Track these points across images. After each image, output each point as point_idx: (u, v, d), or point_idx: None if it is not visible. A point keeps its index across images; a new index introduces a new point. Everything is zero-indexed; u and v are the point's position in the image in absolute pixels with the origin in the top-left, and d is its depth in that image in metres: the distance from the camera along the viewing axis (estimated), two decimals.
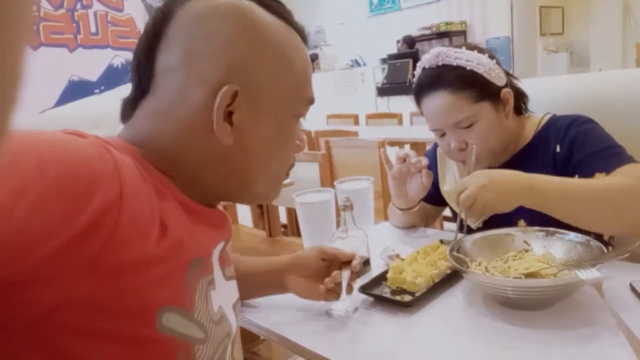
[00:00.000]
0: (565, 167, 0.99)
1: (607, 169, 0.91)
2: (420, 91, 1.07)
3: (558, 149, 1.01)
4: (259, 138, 0.58)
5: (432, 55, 1.05)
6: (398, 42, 6.45)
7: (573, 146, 0.99)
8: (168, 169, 0.54)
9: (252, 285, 0.84)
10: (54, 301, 0.38)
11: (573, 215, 0.87)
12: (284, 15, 0.60)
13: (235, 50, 0.54)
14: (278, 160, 0.63)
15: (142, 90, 0.56)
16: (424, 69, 1.07)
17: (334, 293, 0.80)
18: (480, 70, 1.01)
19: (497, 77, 1.03)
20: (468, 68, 1.01)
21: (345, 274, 0.80)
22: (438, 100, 1.02)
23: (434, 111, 1.04)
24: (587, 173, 0.93)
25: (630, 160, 0.92)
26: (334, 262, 0.84)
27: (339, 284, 0.80)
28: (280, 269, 0.84)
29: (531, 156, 1.06)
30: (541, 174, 0.89)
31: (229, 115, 0.54)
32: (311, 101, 0.64)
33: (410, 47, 6.27)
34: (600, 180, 0.89)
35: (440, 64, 1.03)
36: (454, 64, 1.01)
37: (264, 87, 0.57)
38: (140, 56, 0.56)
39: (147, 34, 0.56)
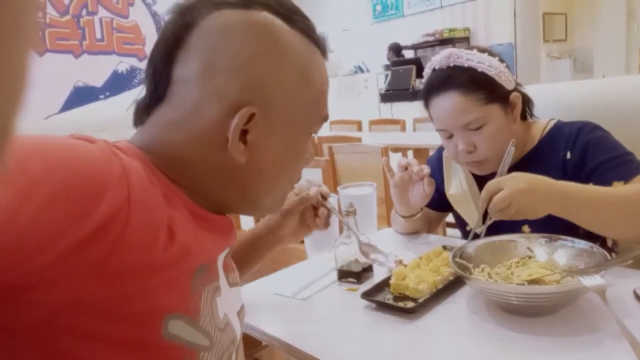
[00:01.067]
0: (577, 173, 0.98)
1: (625, 177, 0.92)
2: (429, 91, 1.06)
3: (569, 155, 1.01)
4: (271, 156, 0.58)
5: (443, 56, 1.04)
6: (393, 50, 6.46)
7: (586, 153, 0.98)
8: (176, 176, 0.54)
9: (251, 251, 0.86)
10: (59, 304, 0.38)
11: (603, 225, 0.88)
12: (307, 31, 0.59)
13: (256, 68, 0.54)
14: (287, 176, 0.63)
15: (157, 97, 0.56)
16: (434, 69, 1.06)
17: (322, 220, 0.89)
18: (491, 72, 1.01)
19: (506, 80, 1.03)
20: (479, 70, 1.00)
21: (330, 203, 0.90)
22: (448, 100, 1.02)
23: (444, 112, 1.03)
24: (603, 181, 0.93)
25: None
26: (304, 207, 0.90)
27: (327, 217, 0.89)
28: (260, 242, 0.87)
29: (536, 161, 1.06)
30: (570, 182, 0.88)
31: (243, 134, 0.54)
32: (326, 118, 0.63)
33: (398, 55, 6.29)
34: (627, 189, 0.89)
35: (451, 64, 1.02)
36: (466, 65, 1.01)
37: (281, 106, 0.56)
38: (157, 62, 0.56)
39: (167, 41, 0.55)
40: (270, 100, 0.55)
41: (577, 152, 1.00)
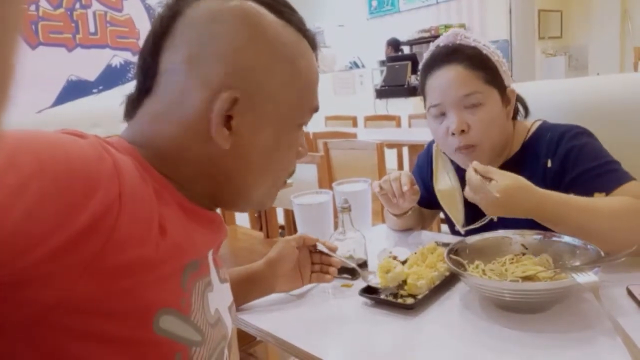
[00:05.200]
0: (557, 183, 0.95)
1: (606, 188, 0.88)
2: (431, 64, 1.04)
3: (549, 163, 0.98)
4: (258, 146, 0.57)
5: (450, 34, 1.05)
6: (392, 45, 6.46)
7: (566, 161, 0.96)
8: (167, 170, 0.54)
9: (247, 285, 0.85)
10: (51, 301, 0.38)
11: (582, 236, 0.85)
12: (296, 23, 0.59)
13: (241, 56, 0.54)
14: (276, 168, 0.62)
15: (145, 89, 0.56)
16: (438, 46, 1.06)
17: (322, 274, 0.92)
18: (494, 58, 1.02)
19: (506, 73, 1.04)
20: (484, 52, 1.02)
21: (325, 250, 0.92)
22: (451, 72, 1.00)
23: (444, 83, 1.01)
24: (584, 191, 0.89)
25: (627, 177, 0.90)
26: (302, 248, 0.91)
27: (327, 265, 0.92)
28: (256, 275, 0.86)
29: (520, 167, 1.01)
30: (552, 191, 0.86)
31: (227, 120, 0.54)
32: (315, 109, 0.63)
33: (396, 51, 6.29)
34: (607, 202, 0.87)
35: (457, 42, 1.03)
36: (472, 44, 1.02)
37: (267, 96, 0.56)
38: (146, 54, 0.56)
39: (155, 32, 0.55)
40: (255, 86, 0.55)
41: (557, 161, 0.97)
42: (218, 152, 0.55)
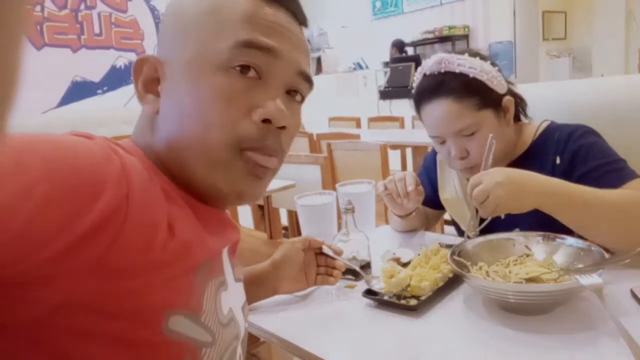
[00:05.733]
0: (565, 180, 0.95)
1: (614, 184, 0.89)
2: (421, 98, 1.05)
3: (558, 160, 1.00)
4: (181, 99, 0.52)
5: (434, 61, 1.03)
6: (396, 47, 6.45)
7: (575, 159, 0.97)
8: (171, 170, 0.54)
9: (252, 287, 0.85)
10: (57, 302, 0.38)
11: (585, 226, 0.86)
12: None
13: (162, 27, 0.56)
14: (209, 128, 0.51)
15: None
16: (424, 75, 1.05)
17: (327, 276, 0.92)
18: (483, 77, 1.00)
19: (499, 84, 1.02)
20: (471, 75, 0.99)
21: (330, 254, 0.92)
22: (440, 107, 1.01)
23: (436, 119, 1.03)
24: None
25: (634, 174, 0.91)
26: (307, 250, 0.91)
27: (332, 268, 0.92)
28: (262, 277, 0.86)
29: (528, 165, 1.02)
30: (559, 179, 0.87)
31: (153, 84, 0.55)
32: (245, 43, 0.51)
33: (401, 52, 6.29)
34: (615, 192, 0.87)
35: (442, 70, 1.01)
36: (457, 71, 1.00)
37: (177, 45, 0.54)
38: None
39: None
40: (169, 47, 0.55)
41: (566, 159, 0.99)
42: (165, 130, 0.54)
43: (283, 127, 0.54)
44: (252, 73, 0.52)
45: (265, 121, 0.52)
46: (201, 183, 0.53)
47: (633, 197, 0.86)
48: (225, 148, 0.52)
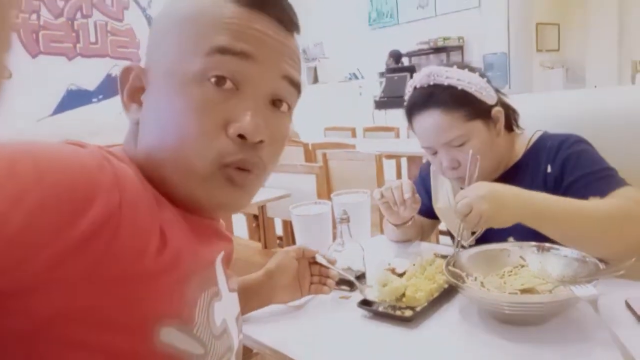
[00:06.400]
0: (556, 188, 0.98)
1: (601, 193, 0.90)
2: (412, 110, 1.08)
3: (549, 169, 1.02)
4: (158, 108, 0.52)
5: (424, 74, 1.05)
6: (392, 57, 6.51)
7: (565, 167, 0.99)
8: (149, 179, 0.51)
9: (247, 296, 0.84)
10: (50, 312, 0.38)
11: (569, 239, 0.86)
12: None
13: (149, 35, 0.56)
14: (184, 141, 0.50)
15: None
16: (415, 88, 1.07)
17: (321, 285, 0.91)
18: (471, 89, 1.02)
19: (488, 95, 1.04)
20: (459, 87, 1.01)
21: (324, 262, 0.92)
22: (430, 119, 1.03)
23: (426, 130, 1.05)
24: (580, 196, 0.91)
25: (623, 183, 0.92)
26: (301, 259, 0.91)
27: (325, 277, 0.92)
28: (255, 286, 0.85)
29: (521, 174, 1.07)
30: (543, 192, 0.88)
31: (138, 93, 0.55)
32: (218, 49, 0.50)
33: (397, 62, 6.35)
34: (598, 203, 0.88)
35: (431, 83, 1.03)
36: (446, 83, 1.02)
37: (157, 55, 0.54)
38: None
39: None
40: (152, 56, 0.55)
41: (557, 166, 1.00)
42: (148, 140, 0.53)
43: (261, 142, 0.52)
44: (228, 84, 0.51)
45: (241, 136, 0.51)
46: (181, 195, 0.52)
47: (615, 207, 0.86)
48: (203, 163, 0.50)
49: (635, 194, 0.89)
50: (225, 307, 0.57)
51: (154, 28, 0.56)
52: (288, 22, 0.56)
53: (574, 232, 0.86)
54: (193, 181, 0.51)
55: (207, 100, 0.50)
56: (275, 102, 0.55)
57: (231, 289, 0.62)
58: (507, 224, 0.87)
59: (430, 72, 1.04)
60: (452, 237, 1.21)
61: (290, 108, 0.58)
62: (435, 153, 1.07)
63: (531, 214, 0.86)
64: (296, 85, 0.57)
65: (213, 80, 0.50)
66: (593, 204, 0.88)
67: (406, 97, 1.10)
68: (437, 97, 1.02)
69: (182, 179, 0.51)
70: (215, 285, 0.56)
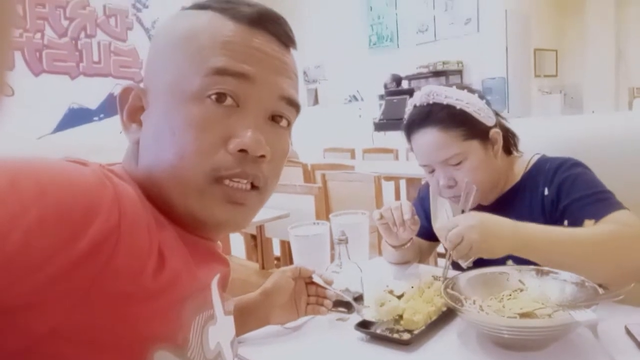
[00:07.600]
0: (553, 210, 0.99)
1: (596, 216, 0.91)
2: (410, 127, 1.09)
3: (546, 191, 1.02)
4: (155, 127, 0.52)
5: (423, 93, 1.07)
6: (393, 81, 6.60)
7: (561, 190, 0.99)
8: (149, 198, 0.51)
9: (244, 315, 0.83)
10: (44, 330, 0.37)
11: (565, 266, 0.86)
12: (218, 6, 0.54)
13: (147, 54, 0.57)
14: (183, 157, 0.50)
15: None
16: (414, 106, 1.09)
17: (318, 306, 0.91)
18: (469, 109, 1.03)
19: (486, 117, 1.05)
20: (458, 107, 1.03)
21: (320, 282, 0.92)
22: (428, 136, 1.04)
23: (424, 147, 1.06)
24: (576, 219, 0.92)
25: (619, 206, 0.92)
26: (298, 279, 0.90)
27: (322, 297, 0.91)
28: (252, 306, 0.85)
29: (519, 197, 1.07)
30: (532, 223, 0.89)
31: (138, 112, 0.55)
32: (216, 70, 0.50)
33: (398, 85, 6.44)
34: (590, 230, 0.89)
35: (431, 101, 1.05)
36: (444, 102, 1.03)
37: (156, 74, 0.55)
38: None
39: None
40: (149, 74, 0.56)
41: (553, 189, 1.01)
42: (146, 157, 0.53)
43: (262, 156, 0.52)
44: (229, 101, 0.51)
45: (242, 151, 0.51)
46: (181, 213, 0.52)
47: (608, 233, 0.87)
48: (199, 176, 0.50)
49: (629, 218, 0.89)
50: (220, 330, 0.56)
51: (153, 47, 0.56)
52: (285, 37, 0.56)
53: (568, 260, 0.86)
54: (190, 197, 0.51)
55: (207, 117, 0.50)
56: (275, 118, 0.56)
57: (227, 312, 0.61)
58: (496, 255, 0.87)
59: (430, 91, 1.05)
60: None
61: (289, 124, 0.58)
62: (432, 171, 1.08)
63: (523, 244, 0.86)
64: (295, 105, 0.57)
65: (214, 97, 0.50)
66: (585, 232, 0.88)
67: (405, 115, 1.12)
68: (435, 115, 1.03)
69: (180, 195, 0.51)
70: (211, 308, 0.55)
